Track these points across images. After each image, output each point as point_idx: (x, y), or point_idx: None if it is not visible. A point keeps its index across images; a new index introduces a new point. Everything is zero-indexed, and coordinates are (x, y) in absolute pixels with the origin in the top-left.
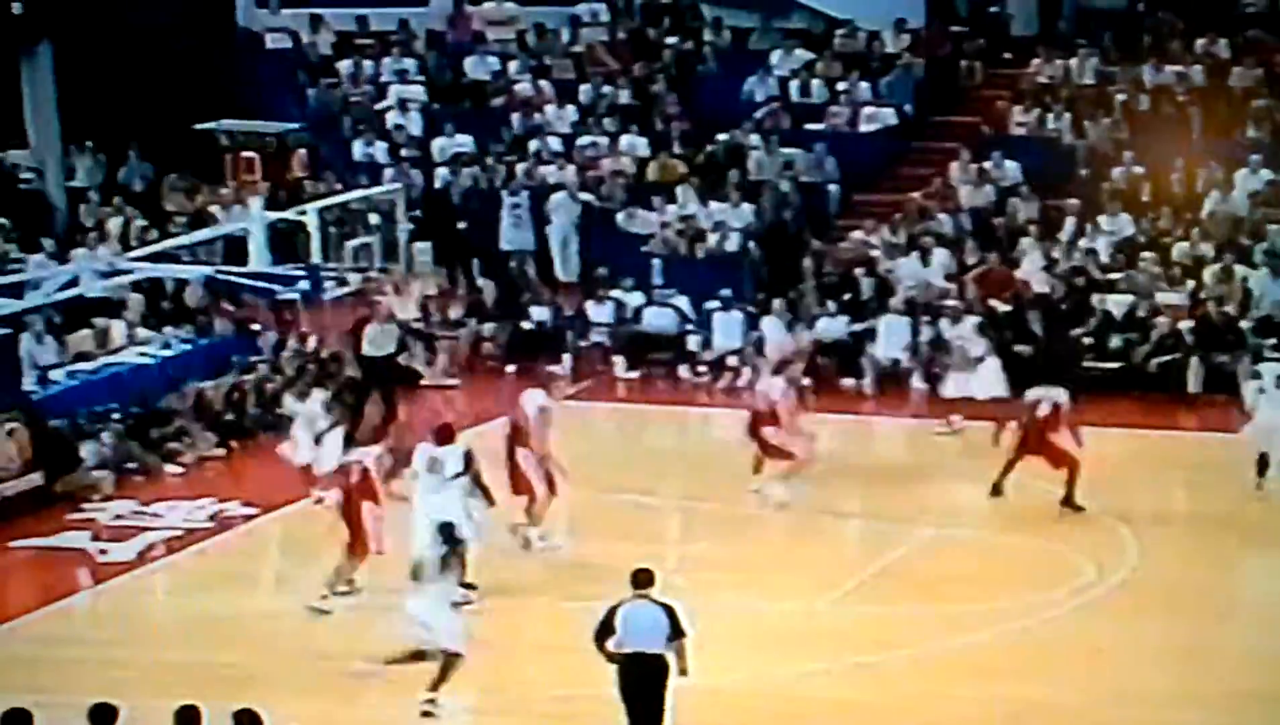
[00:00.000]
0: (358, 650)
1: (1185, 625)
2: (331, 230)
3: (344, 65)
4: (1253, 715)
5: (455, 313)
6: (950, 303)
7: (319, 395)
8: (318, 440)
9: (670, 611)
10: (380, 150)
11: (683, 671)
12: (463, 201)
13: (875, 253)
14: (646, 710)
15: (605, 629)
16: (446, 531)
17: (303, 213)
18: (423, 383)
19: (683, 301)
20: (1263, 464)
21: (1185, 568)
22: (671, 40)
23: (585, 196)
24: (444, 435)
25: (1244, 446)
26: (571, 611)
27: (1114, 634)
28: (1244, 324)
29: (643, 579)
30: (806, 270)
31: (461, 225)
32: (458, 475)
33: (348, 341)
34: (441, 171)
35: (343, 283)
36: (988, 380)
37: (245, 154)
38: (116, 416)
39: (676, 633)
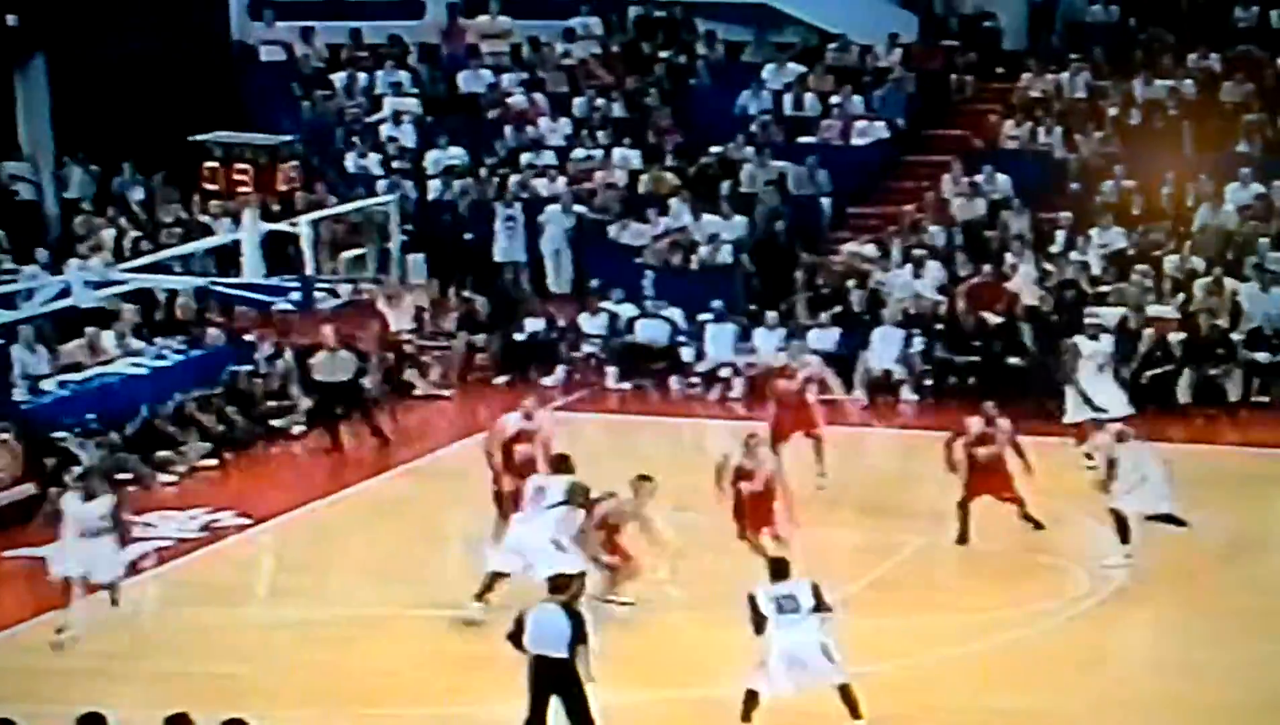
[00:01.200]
0: (350, 663)
1: (1180, 635)
2: (324, 241)
3: (338, 77)
4: None
5: (448, 324)
6: (1092, 321)
7: (106, 500)
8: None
9: (575, 617)
10: (374, 162)
11: (588, 678)
12: (456, 213)
13: (868, 266)
14: (568, 713)
15: (516, 630)
16: None
17: (295, 224)
18: (416, 393)
19: (675, 313)
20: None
21: (1179, 577)
22: (665, 54)
23: (578, 209)
24: (559, 465)
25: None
26: None
27: (1109, 644)
28: (1235, 337)
29: (557, 584)
30: (798, 282)
31: (468, 236)
32: (553, 506)
33: (296, 371)
34: (434, 183)
35: (334, 294)
36: (1117, 398)
37: (238, 165)
38: (108, 426)
39: (577, 639)
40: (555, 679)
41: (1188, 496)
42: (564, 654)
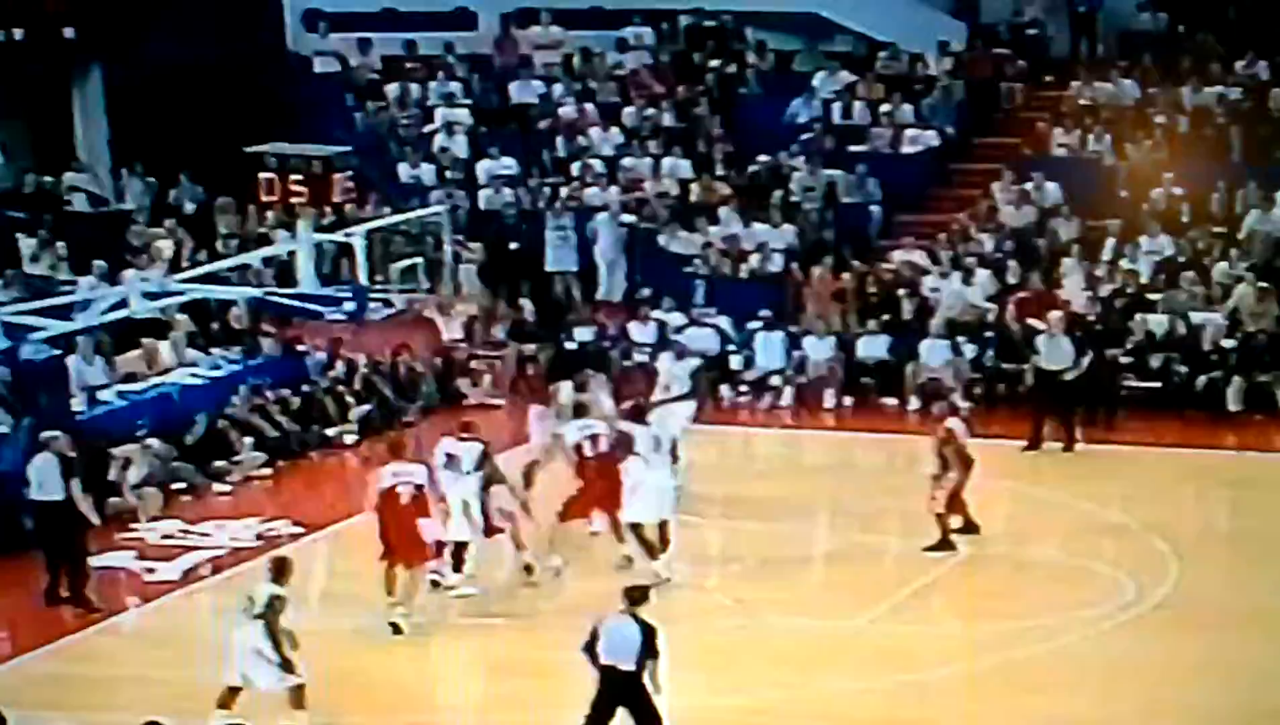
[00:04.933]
0: (402, 668)
1: (1225, 642)
2: (378, 252)
3: (391, 89)
4: None
5: (499, 333)
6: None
7: None
8: None
9: (647, 631)
10: (427, 173)
11: (655, 690)
12: (508, 223)
13: (917, 274)
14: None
15: (591, 640)
16: None
17: (350, 235)
18: (467, 402)
19: (725, 322)
20: None
21: (1225, 585)
22: (715, 63)
23: (628, 218)
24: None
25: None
26: None
27: (1155, 651)
28: None
29: (634, 596)
30: (848, 290)
31: (514, 246)
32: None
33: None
34: (486, 193)
35: (388, 304)
36: None
37: (293, 176)
38: (163, 436)
39: (646, 653)
40: (624, 691)
41: (1236, 501)
42: (633, 666)
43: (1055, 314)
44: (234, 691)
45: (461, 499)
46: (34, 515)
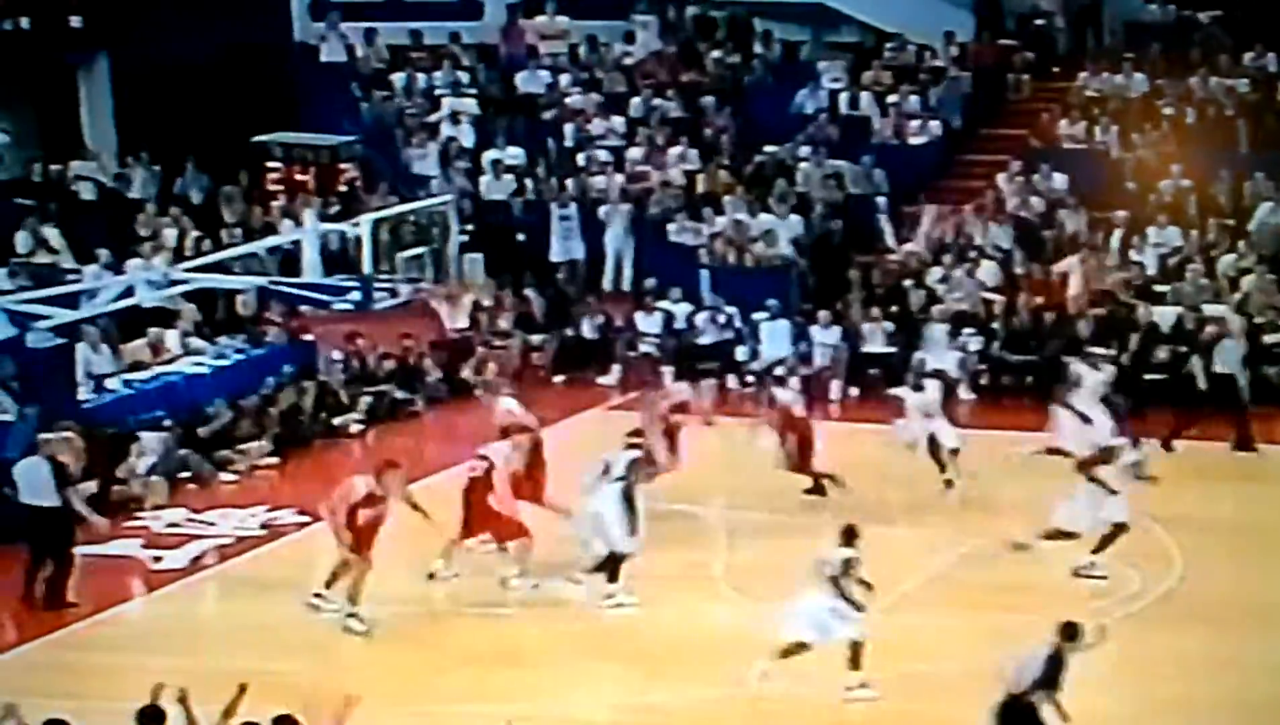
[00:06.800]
0: (406, 659)
1: (1231, 636)
2: (384, 241)
3: (397, 78)
4: None
5: (505, 323)
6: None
7: None
8: None
9: (1052, 661)
10: (432, 162)
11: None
12: (514, 213)
13: (923, 264)
14: None
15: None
16: None
17: (356, 224)
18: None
19: (731, 312)
20: None
21: (1231, 578)
22: (721, 53)
23: (625, 207)
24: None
25: None
26: (615, 620)
27: (1160, 644)
28: None
29: (1066, 630)
30: (853, 281)
31: (520, 237)
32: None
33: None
34: (488, 180)
35: (394, 294)
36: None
37: (299, 165)
38: (170, 425)
39: (1041, 682)
40: (1014, 718)
41: (1243, 495)
42: (1024, 692)
43: (1235, 318)
44: (800, 646)
45: (595, 510)
46: (25, 518)
